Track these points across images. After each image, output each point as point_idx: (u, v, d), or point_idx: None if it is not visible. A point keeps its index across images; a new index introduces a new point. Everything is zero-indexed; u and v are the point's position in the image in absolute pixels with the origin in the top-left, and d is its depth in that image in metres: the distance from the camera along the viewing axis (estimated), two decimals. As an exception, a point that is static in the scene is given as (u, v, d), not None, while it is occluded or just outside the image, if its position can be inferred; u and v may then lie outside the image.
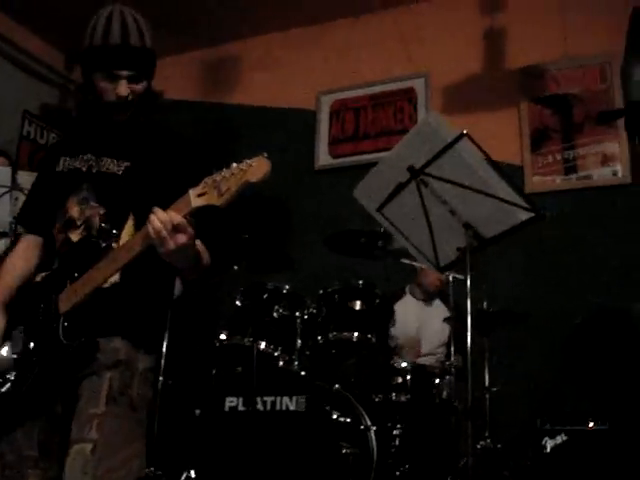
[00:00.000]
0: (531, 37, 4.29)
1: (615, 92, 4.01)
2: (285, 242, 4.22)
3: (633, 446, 2.80)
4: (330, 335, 3.08)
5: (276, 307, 3.18)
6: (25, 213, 1.96)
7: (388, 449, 2.93)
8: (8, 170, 3.98)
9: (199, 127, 4.47)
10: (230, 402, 3.02)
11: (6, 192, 3.76)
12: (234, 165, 1.41)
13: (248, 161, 1.40)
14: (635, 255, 3.74)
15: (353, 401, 2.92)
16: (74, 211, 1.74)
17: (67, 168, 1.81)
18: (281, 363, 3.14)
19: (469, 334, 2.37)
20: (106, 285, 1.61)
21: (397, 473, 2.89)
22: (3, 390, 1.64)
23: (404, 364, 3.20)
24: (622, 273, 3.74)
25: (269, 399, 2.94)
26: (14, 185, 3.82)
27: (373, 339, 3.09)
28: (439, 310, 3.83)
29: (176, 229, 1.45)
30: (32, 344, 1.65)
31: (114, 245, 1.64)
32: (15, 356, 1.66)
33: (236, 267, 3.41)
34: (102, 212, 1.71)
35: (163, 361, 3.59)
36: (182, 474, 2.99)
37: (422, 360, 3.58)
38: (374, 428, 2.82)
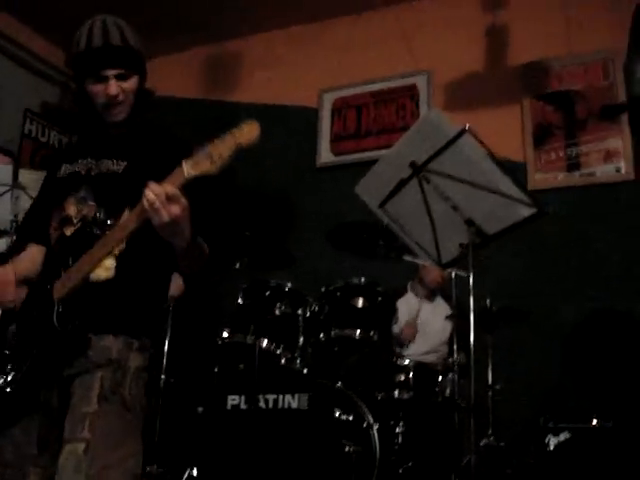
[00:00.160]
0: (533, 34, 4.27)
1: (618, 89, 3.99)
2: (287, 239, 4.21)
3: (637, 443, 2.78)
4: (332, 333, 3.08)
5: (278, 305, 3.18)
6: (27, 224, 1.96)
7: (391, 447, 2.93)
8: (9, 168, 3.99)
9: (200, 125, 4.43)
10: (232, 400, 3.02)
11: (7, 190, 3.76)
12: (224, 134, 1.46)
13: (238, 127, 1.46)
14: (638, 251, 3.73)
15: (355, 399, 2.91)
16: (71, 210, 1.75)
17: (67, 173, 1.83)
18: (283, 361, 3.15)
19: (472, 331, 2.36)
20: (100, 280, 1.61)
21: (400, 471, 2.89)
22: None
23: (407, 361, 3.20)
24: (625, 269, 3.73)
25: (271, 397, 2.94)
26: (15, 183, 3.82)
27: (375, 337, 3.08)
28: (441, 307, 3.82)
29: (170, 200, 1.45)
30: (27, 333, 1.65)
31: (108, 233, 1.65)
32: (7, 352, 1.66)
33: (238, 264, 3.40)
34: (99, 209, 1.72)
35: (165, 359, 3.60)
36: (184, 472, 2.99)
37: (424, 358, 3.57)
38: (377, 426, 2.80)
